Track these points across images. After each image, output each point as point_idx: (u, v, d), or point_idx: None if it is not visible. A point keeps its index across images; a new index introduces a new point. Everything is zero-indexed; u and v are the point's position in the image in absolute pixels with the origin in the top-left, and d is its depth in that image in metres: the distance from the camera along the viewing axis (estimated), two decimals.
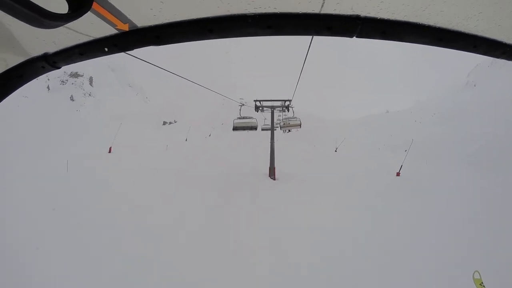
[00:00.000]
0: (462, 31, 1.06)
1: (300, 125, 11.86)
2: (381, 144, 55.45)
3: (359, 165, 20.75)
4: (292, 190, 11.08)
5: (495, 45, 1.10)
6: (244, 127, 11.50)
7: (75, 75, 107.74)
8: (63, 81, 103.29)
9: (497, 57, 1.14)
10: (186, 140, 34.91)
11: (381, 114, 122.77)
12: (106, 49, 1.17)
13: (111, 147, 21.85)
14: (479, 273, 4.38)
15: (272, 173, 13.10)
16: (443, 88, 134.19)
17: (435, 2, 0.92)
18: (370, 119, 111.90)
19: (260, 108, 14.38)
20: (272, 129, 15.04)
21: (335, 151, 31.94)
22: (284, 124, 12.27)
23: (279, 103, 14.34)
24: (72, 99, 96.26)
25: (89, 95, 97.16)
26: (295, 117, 12.28)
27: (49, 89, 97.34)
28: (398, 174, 16.20)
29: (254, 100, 13.70)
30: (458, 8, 0.94)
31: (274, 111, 14.99)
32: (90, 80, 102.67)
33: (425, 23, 1.04)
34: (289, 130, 14.47)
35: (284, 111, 15.05)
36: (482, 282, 4.31)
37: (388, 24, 1.03)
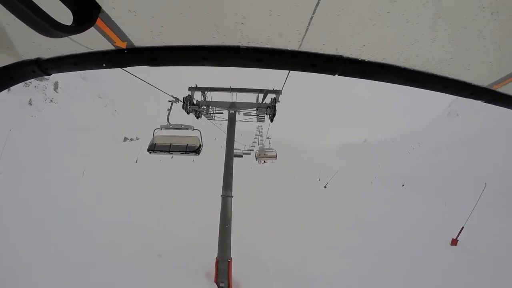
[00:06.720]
0: (435, 73, 1.14)
1: (275, 156, 10.67)
2: (372, 176, 49.96)
3: (369, 217, 14.09)
4: None
5: (464, 87, 1.18)
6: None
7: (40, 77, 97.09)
8: (26, 83, 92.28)
9: (466, 97, 1.23)
10: (136, 162, 27.08)
11: (358, 143, 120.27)
12: (100, 63, 1.16)
13: None
14: None
15: (223, 275, 5.30)
16: (424, 117, 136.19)
17: (411, 48, 0.99)
18: (348, 148, 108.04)
19: (203, 108, 6.71)
20: (228, 158, 6.80)
21: (325, 187, 25.39)
22: (260, 155, 10.91)
23: (253, 98, 6.86)
24: (30, 103, 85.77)
25: (51, 101, 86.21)
26: (271, 149, 10.92)
27: (9, 90, 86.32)
28: (454, 242, 10.06)
29: (190, 88, 6.47)
30: (432, 54, 1.02)
31: (241, 115, 7.27)
32: (55, 85, 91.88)
33: (402, 66, 1.11)
34: (264, 161, 12.24)
35: (265, 114, 6.95)
36: None
37: (368, 65, 1.09)
